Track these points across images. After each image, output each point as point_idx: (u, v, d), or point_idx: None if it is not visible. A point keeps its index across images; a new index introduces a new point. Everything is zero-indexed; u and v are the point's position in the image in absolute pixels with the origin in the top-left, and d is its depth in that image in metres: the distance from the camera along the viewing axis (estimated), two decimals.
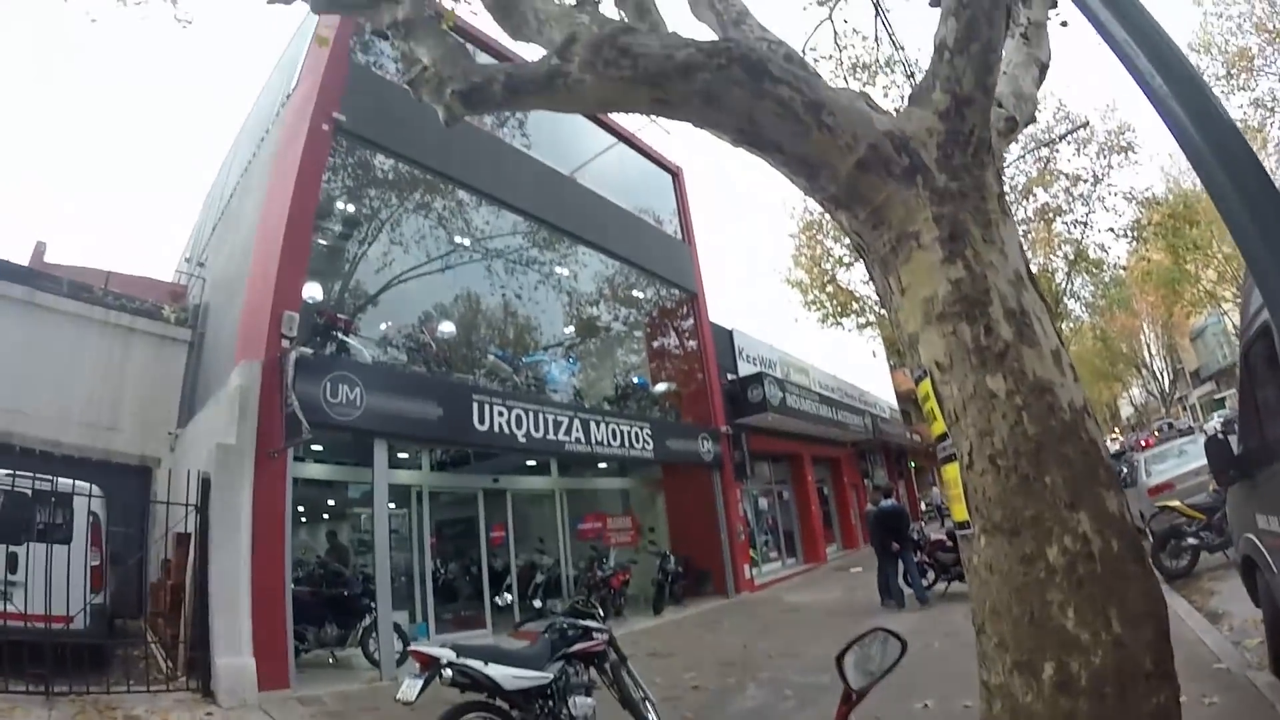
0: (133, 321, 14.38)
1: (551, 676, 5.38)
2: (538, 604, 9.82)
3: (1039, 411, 2.80)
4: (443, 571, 12.44)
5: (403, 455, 11.70)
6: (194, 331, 15.01)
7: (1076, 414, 2.85)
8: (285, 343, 9.32)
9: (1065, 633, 2.59)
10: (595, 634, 5.98)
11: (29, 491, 8.34)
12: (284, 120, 12.21)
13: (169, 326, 14.85)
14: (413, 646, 5.43)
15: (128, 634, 10.49)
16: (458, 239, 14.36)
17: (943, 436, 3.17)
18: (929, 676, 6.48)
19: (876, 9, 10.97)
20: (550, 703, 5.35)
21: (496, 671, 4.99)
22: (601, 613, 6.51)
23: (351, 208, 12.93)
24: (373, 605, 9.83)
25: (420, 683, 4.79)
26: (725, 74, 3.09)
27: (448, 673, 4.84)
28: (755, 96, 3.12)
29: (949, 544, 12.68)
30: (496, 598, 11.54)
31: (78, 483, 8.96)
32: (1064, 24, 6.44)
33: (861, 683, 1.94)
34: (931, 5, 6.05)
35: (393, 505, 10.94)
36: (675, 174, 21.08)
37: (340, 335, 10.64)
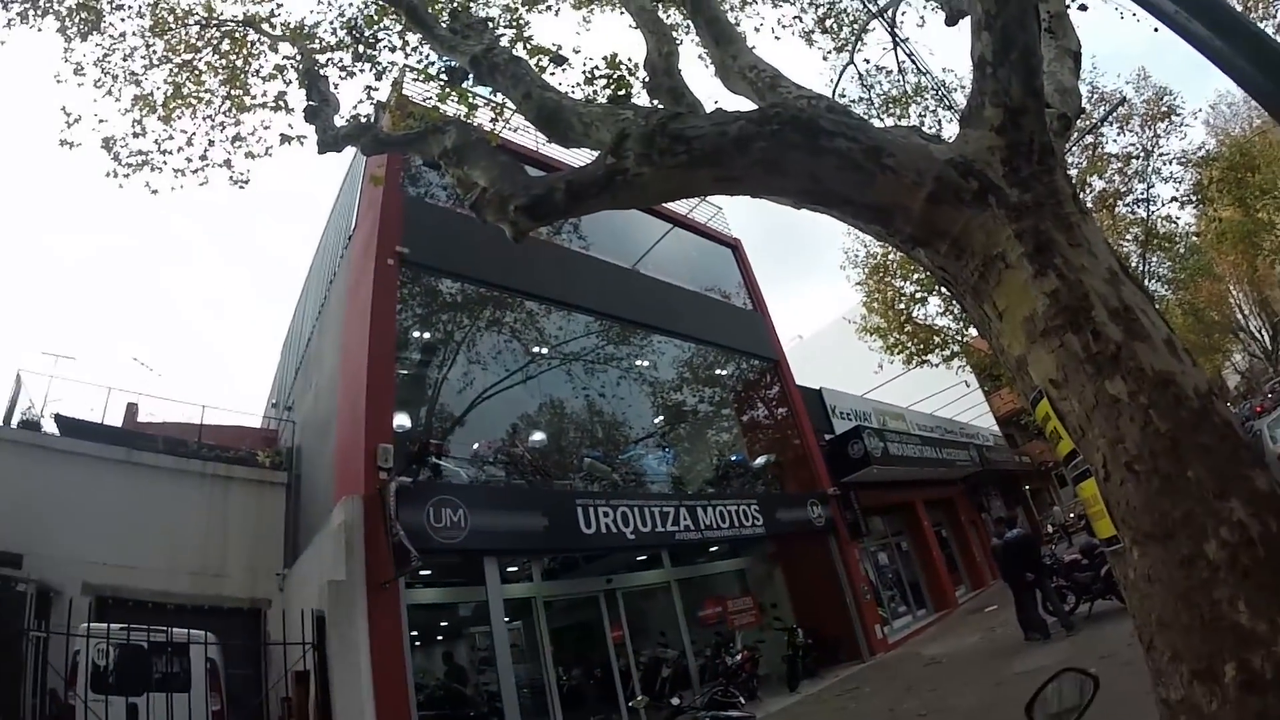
0: (229, 470, 14.81)
1: None
2: (674, 700, 9.53)
3: (1166, 406, 2.66)
4: (567, 679, 12.21)
5: (513, 569, 11.66)
6: (290, 474, 15.41)
7: (1204, 399, 2.69)
8: (382, 474, 9.48)
9: (1241, 629, 2.39)
10: None
11: (145, 644, 8.53)
12: (350, 260, 12.69)
13: (265, 471, 15.26)
14: None
15: None
16: (533, 349, 14.57)
17: (1071, 454, 3.01)
18: (1095, 705, 6.04)
19: (895, 41, 11.04)
20: None
21: None
22: (742, 700, 6.27)
23: (427, 335, 13.30)
24: None
25: None
26: (780, 138, 3.07)
27: None
28: (814, 155, 3.09)
29: (1084, 562, 12.20)
30: (629, 700, 11.24)
31: (192, 631, 9.17)
32: (1083, 7, 6.32)
33: None
34: (949, 25, 6.01)
35: (509, 619, 10.86)
36: (734, 246, 21.23)
37: (434, 460, 10.76)
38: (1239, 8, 21.20)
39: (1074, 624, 11.76)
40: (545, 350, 14.81)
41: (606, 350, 16.07)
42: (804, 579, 16.87)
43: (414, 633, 10.55)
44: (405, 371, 12.55)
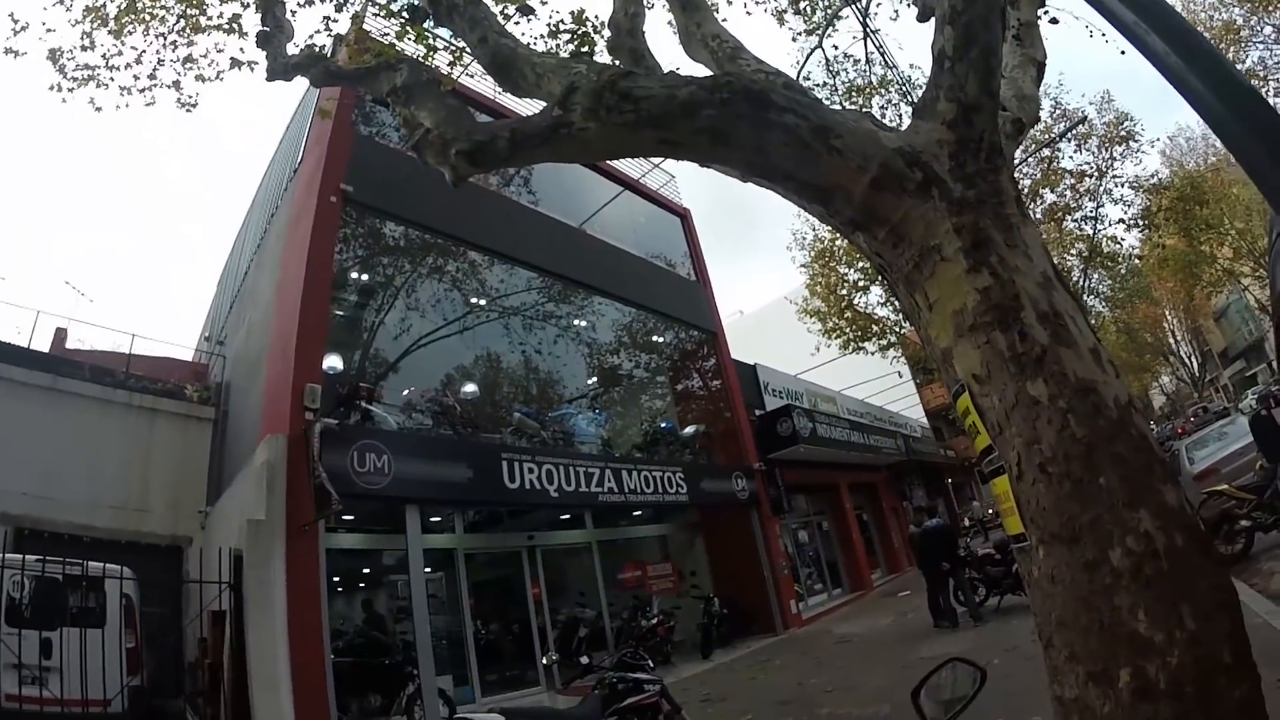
0: (156, 403, 14.48)
1: None
2: (584, 659, 9.64)
3: (1085, 412, 2.71)
4: (484, 632, 12.26)
5: (435, 519, 11.61)
6: (218, 409, 15.12)
7: (1123, 410, 2.74)
8: (309, 415, 9.33)
9: (1138, 636, 2.47)
10: (647, 686, 5.83)
11: (60, 576, 8.38)
12: (293, 195, 12.39)
13: (193, 406, 14.95)
14: (459, 714, 5.30)
15: (167, 715, 10.44)
16: (473, 300, 14.46)
17: (988, 450, 3.09)
18: (994, 696, 6.23)
19: (865, 31, 11.06)
20: None
21: None
22: (651, 664, 6.36)
23: (366, 277, 13.09)
24: (416, 672, 9.69)
25: None
26: (729, 108, 3.06)
27: None
28: (761, 128, 3.09)
29: (997, 557, 12.52)
30: (543, 657, 11.35)
31: (109, 565, 9.02)
32: (1054, 21, 6.42)
33: (940, 716, 1.81)
34: (920, 20, 6.05)
35: (429, 569, 10.83)
36: (683, 216, 21.22)
37: (364, 404, 10.64)
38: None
39: (982, 615, 12.16)
40: (485, 302, 14.70)
41: (547, 307, 16.01)
42: (724, 550, 17.12)
43: (334, 578, 10.48)
44: (341, 313, 12.35)
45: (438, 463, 10.64)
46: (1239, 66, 21.31)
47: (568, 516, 14.07)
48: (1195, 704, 2.39)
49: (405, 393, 12.46)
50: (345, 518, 10.36)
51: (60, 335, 17.26)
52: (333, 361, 10.54)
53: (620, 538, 15.67)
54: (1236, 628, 2.53)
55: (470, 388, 13.56)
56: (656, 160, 17.19)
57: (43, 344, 16.03)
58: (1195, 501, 11.34)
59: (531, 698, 10.34)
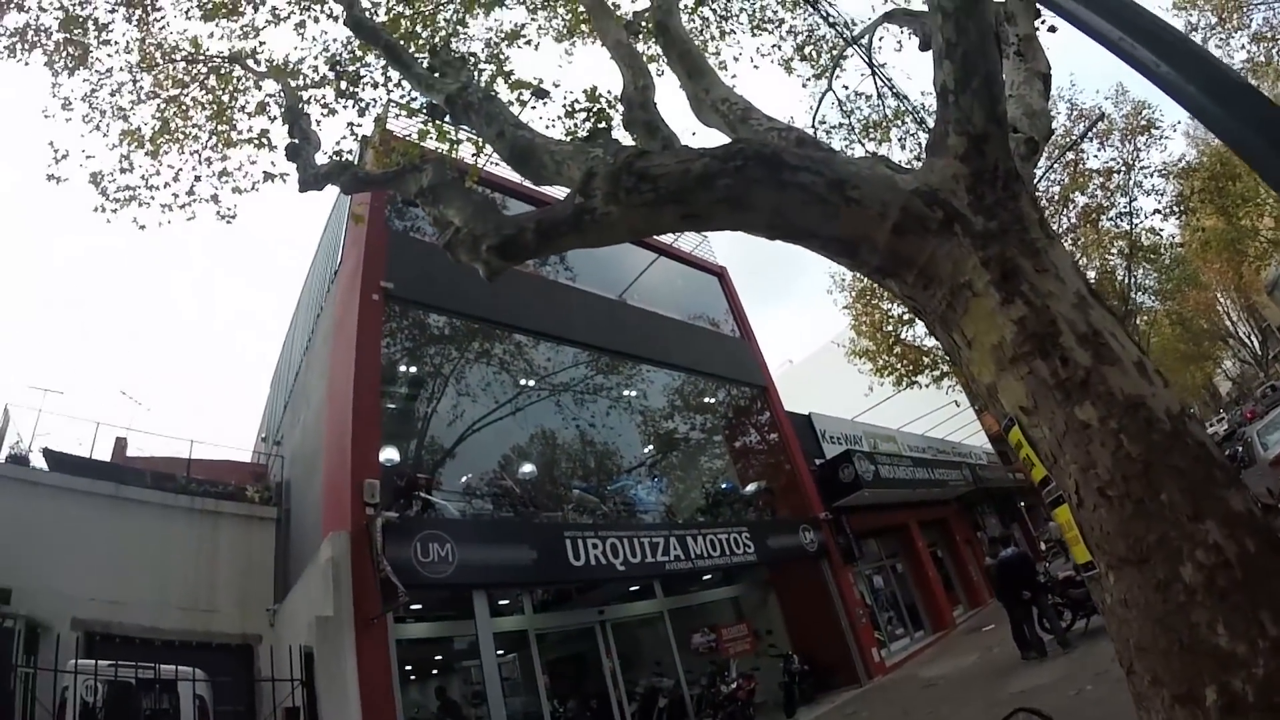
0: (218, 505, 14.73)
1: None
2: None
3: (1137, 430, 2.66)
4: (562, 711, 12.09)
5: (504, 602, 11.59)
6: (280, 508, 15.34)
7: (1176, 420, 2.68)
8: (369, 510, 9.44)
9: (1220, 651, 2.38)
10: None
11: (133, 680, 8.47)
12: (335, 295, 12.71)
13: (254, 506, 15.19)
14: None
15: None
16: (522, 380, 14.58)
17: (1045, 480, 3.04)
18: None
19: (871, 69, 11.14)
20: None
21: None
22: None
23: (414, 368, 13.31)
24: None
25: None
26: (743, 175, 3.09)
27: None
28: (778, 189, 3.11)
29: (1078, 579, 12.04)
30: None
31: (181, 668, 9.11)
32: (1052, 29, 6.41)
33: None
34: (922, 50, 6.09)
35: (502, 652, 10.80)
36: (720, 274, 21.33)
37: (423, 494, 10.73)
38: (1215, 20, 21.56)
39: (1070, 641, 11.74)
40: (534, 382, 14.81)
41: (595, 380, 16.06)
42: (798, 604, 16.80)
43: (406, 667, 10.47)
44: (393, 405, 12.54)
45: (501, 546, 10.68)
46: (1246, 32, 21.07)
47: (636, 588, 13.92)
48: None
49: (464, 478, 12.55)
50: (413, 607, 10.36)
51: (121, 444, 17.73)
52: (389, 454, 10.67)
53: (692, 603, 15.42)
54: None
55: (527, 468, 13.61)
56: None
57: (104, 453, 16.47)
58: (1276, 489, 10.78)
59: None
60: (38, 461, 13.69)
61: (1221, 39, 21.05)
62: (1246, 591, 2.41)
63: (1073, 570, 12.58)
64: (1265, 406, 27.91)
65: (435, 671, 13.22)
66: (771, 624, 16.56)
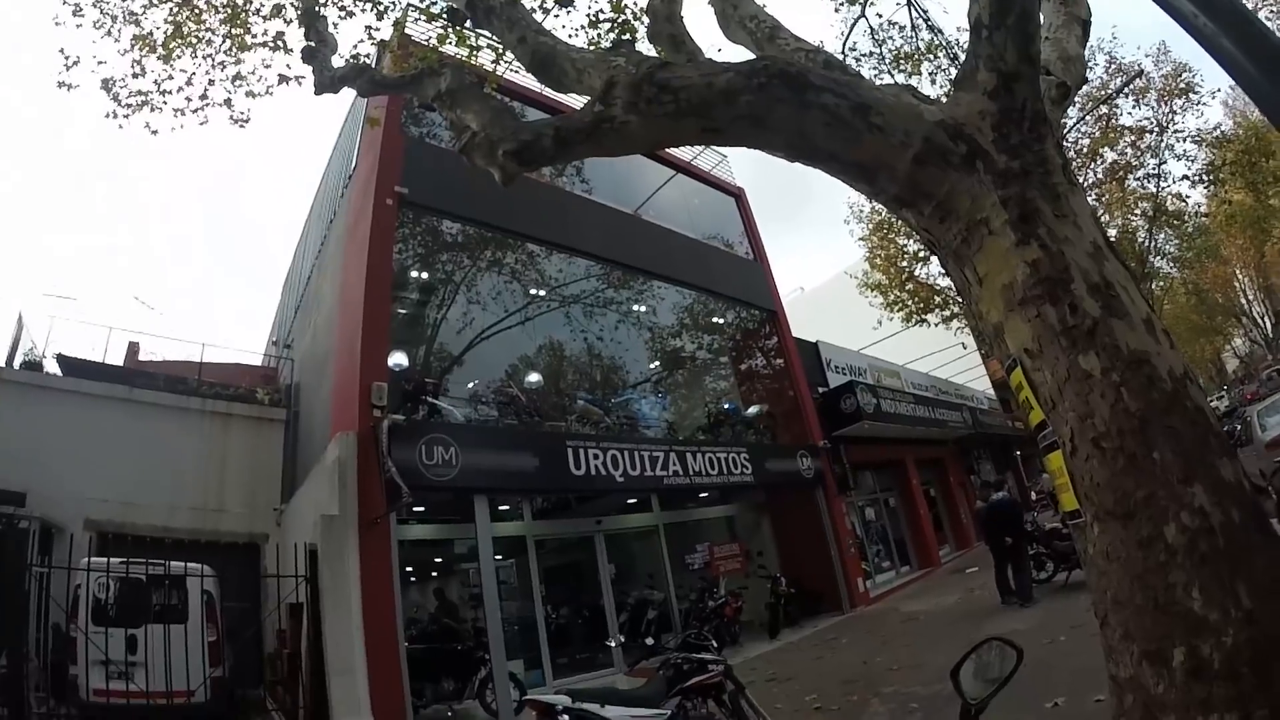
0: (229, 407, 15.03)
1: (669, 713, 5.30)
2: (650, 641, 9.79)
3: (1138, 385, 2.68)
4: (555, 617, 12.48)
5: (504, 507, 11.84)
6: (288, 410, 15.60)
7: (1178, 382, 2.70)
8: (377, 412, 9.59)
9: (1193, 615, 2.44)
10: (710, 666, 5.88)
11: (143, 577, 8.76)
12: (349, 200, 12.68)
13: (264, 408, 15.45)
14: (528, 696, 5.41)
15: (248, 704, 10.90)
16: (533, 290, 14.60)
17: (1042, 425, 3.06)
18: (1058, 673, 6.30)
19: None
20: None
21: (614, 713, 4.94)
22: (715, 643, 6.42)
23: (426, 274, 13.36)
24: (487, 657, 9.98)
25: None
26: (767, 92, 3.05)
27: (565, 718, 4.81)
28: (800, 109, 3.07)
29: (1065, 531, 12.17)
30: (609, 640, 11.53)
31: (189, 565, 9.38)
32: None
33: (979, 695, 1.84)
34: None
35: (499, 557, 11.08)
36: (738, 196, 21.08)
37: (430, 399, 10.89)
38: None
39: (1034, 598, 11.88)
40: (544, 292, 14.84)
41: (606, 294, 16.09)
42: (791, 529, 17.11)
43: (406, 568, 10.78)
44: (403, 310, 12.62)
45: (504, 452, 10.89)
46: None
47: (634, 501, 14.17)
48: (1251, 686, 2.35)
49: (470, 385, 12.72)
50: (416, 509, 10.60)
51: (133, 349, 17.93)
52: (398, 359, 10.77)
53: (687, 520, 15.74)
54: None
55: (534, 377, 13.72)
56: None
57: (117, 358, 16.69)
58: (1269, 470, 10.90)
59: (601, 680, 10.50)
60: (51, 367, 13.95)
61: (1275, 10, 20.12)
62: (1226, 560, 2.48)
63: (1059, 523, 12.76)
64: (1269, 389, 27.57)
65: (435, 573, 13.58)
66: (763, 546, 16.91)
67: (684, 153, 18.28)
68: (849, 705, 8.04)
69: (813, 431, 18.07)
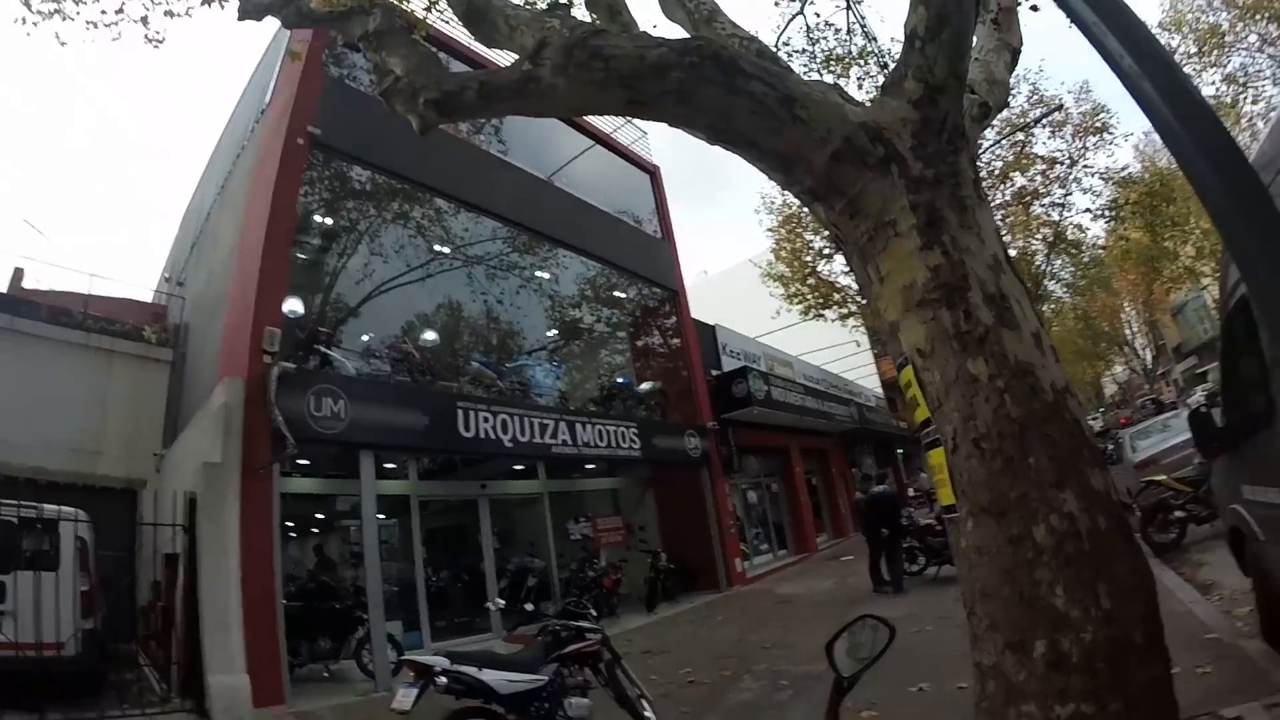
0: (114, 344, 14.30)
1: (546, 679, 5.37)
2: (530, 607, 9.84)
3: (1021, 394, 2.84)
4: (435, 579, 12.38)
5: (390, 465, 11.65)
6: (175, 351, 14.95)
7: (1059, 395, 2.88)
8: (267, 359, 9.28)
9: (1055, 611, 2.63)
10: (588, 634, 5.96)
11: (14, 519, 8.29)
12: (259, 136, 12.18)
13: (150, 347, 14.77)
14: (406, 656, 5.39)
15: (121, 658, 10.35)
16: (437, 247, 14.30)
17: (926, 422, 3.20)
18: (923, 660, 6.51)
19: (848, 1, 11.00)
20: (546, 705, 5.32)
21: (491, 677, 4.98)
22: (594, 613, 6.50)
23: (330, 220, 12.92)
24: (365, 616, 9.83)
25: (415, 692, 4.77)
26: (698, 72, 3.08)
27: (442, 680, 4.83)
28: (728, 93, 3.12)
29: (939, 528, 12.76)
30: (489, 603, 11.53)
31: (63, 509, 8.91)
32: (1034, 8, 6.49)
33: (851, 670, 1.96)
34: None
35: (382, 516, 10.88)
36: (653, 173, 21.09)
37: (323, 349, 10.62)
38: (1194, 49, 22.12)
39: (904, 589, 12.44)
40: (449, 250, 14.57)
41: (511, 258, 15.88)
42: (674, 507, 17.40)
43: (288, 523, 10.50)
44: (303, 256, 12.21)
45: (394, 409, 10.70)
46: (1219, 70, 21.92)
47: (521, 467, 14.12)
48: (1106, 680, 2.55)
49: (365, 338, 12.42)
50: (300, 462, 10.36)
51: (18, 275, 16.90)
52: (293, 305, 10.45)
53: (572, 490, 15.83)
54: (1151, 611, 2.72)
55: (430, 335, 13.48)
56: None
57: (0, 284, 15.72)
58: (1134, 489, 11.74)
59: (479, 645, 10.51)
60: None
61: (1196, 69, 21.75)
62: (1090, 563, 2.67)
63: (934, 519, 13.33)
64: (1142, 416, 29.36)
65: (315, 530, 13.30)
66: (645, 521, 17.17)
67: (604, 124, 18.18)
68: (722, 680, 8.25)
69: (703, 412, 18.37)
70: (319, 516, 13.14)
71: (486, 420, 11.92)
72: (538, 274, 16.63)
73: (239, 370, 9.32)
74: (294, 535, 12.38)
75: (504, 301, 15.60)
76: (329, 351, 10.73)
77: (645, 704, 6.17)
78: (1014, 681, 2.69)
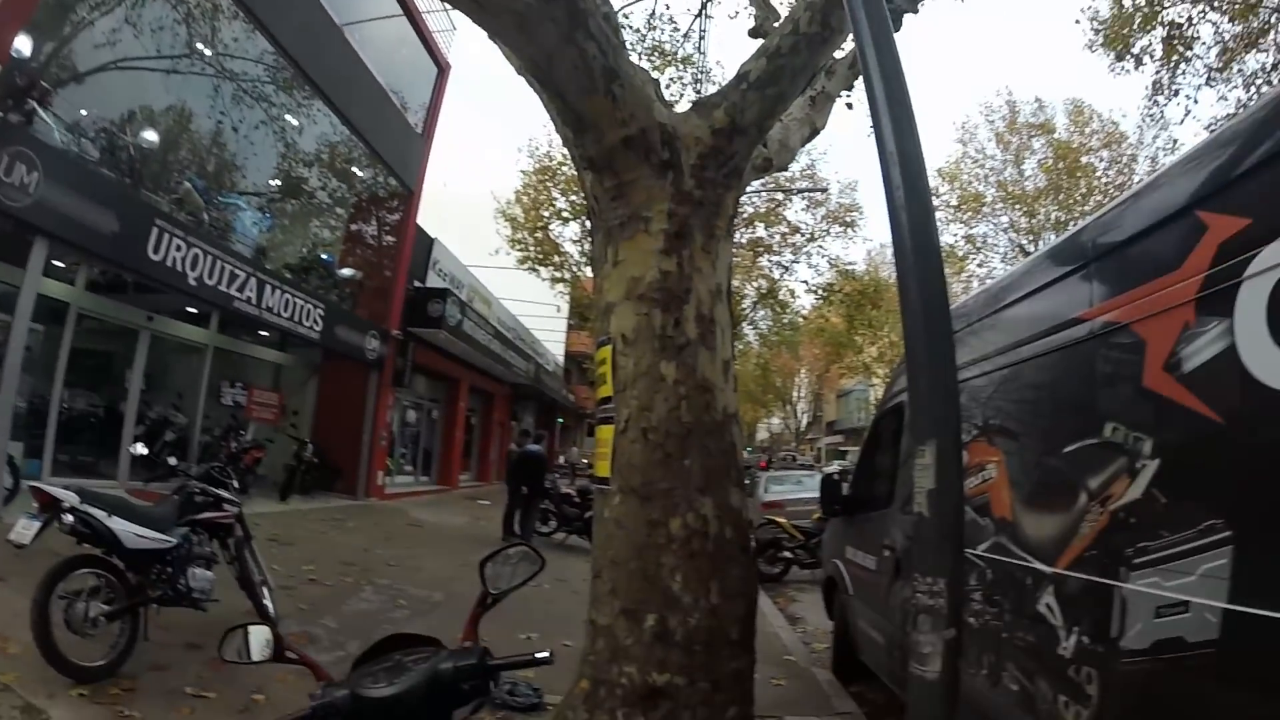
0: None
1: (175, 541, 5.00)
2: (173, 461, 8.99)
3: (698, 405, 3.31)
4: (68, 408, 10.75)
5: (59, 264, 9.89)
6: None
7: (727, 418, 3.41)
8: None
9: (671, 593, 3.13)
10: (226, 505, 5.70)
11: None
12: None
13: None
14: (35, 484, 4.73)
15: None
16: (199, 45, 12.42)
17: (606, 400, 3.60)
18: (535, 613, 6.91)
19: (702, 8, 11.17)
20: (169, 570, 4.99)
21: (119, 526, 4.54)
22: (237, 485, 6.21)
23: None
24: None
25: (38, 525, 4.29)
26: (546, 8, 3.09)
27: (68, 519, 4.34)
28: (564, 41, 3.18)
29: (576, 500, 13.57)
30: (131, 447, 10.34)
31: None
32: (849, 106, 7.11)
33: (499, 587, 2.14)
34: (751, 35, 6.41)
35: (33, 321, 9.30)
36: (443, 69, 19.96)
37: (37, 104, 8.87)
38: (955, 202, 25.89)
39: (532, 546, 13.04)
40: (209, 53, 12.74)
41: (266, 89, 14.21)
42: (334, 401, 16.91)
43: None
44: None
45: (89, 203, 9.20)
46: (965, 228, 26.28)
47: (195, 311, 12.79)
48: (700, 661, 3.08)
49: (82, 112, 10.49)
50: None
51: None
52: (24, 43, 8.64)
53: (237, 352, 14.57)
54: (749, 614, 3.35)
55: (151, 136, 11.69)
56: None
57: None
58: (756, 523, 13.33)
59: (108, 489, 9.37)
60: None
61: (947, 218, 25.99)
62: (709, 561, 3.19)
63: (573, 491, 14.20)
64: (780, 465, 34.56)
65: None
66: (301, 407, 16.48)
67: (422, 1, 17.01)
68: (343, 585, 8.25)
69: (392, 317, 17.93)
70: None
71: (179, 249, 10.70)
72: (286, 116, 15.00)
73: None
74: None
75: (239, 130, 13.88)
76: (41, 112, 9.00)
77: (266, 591, 6.08)
78: (622, 644, 3.15)
